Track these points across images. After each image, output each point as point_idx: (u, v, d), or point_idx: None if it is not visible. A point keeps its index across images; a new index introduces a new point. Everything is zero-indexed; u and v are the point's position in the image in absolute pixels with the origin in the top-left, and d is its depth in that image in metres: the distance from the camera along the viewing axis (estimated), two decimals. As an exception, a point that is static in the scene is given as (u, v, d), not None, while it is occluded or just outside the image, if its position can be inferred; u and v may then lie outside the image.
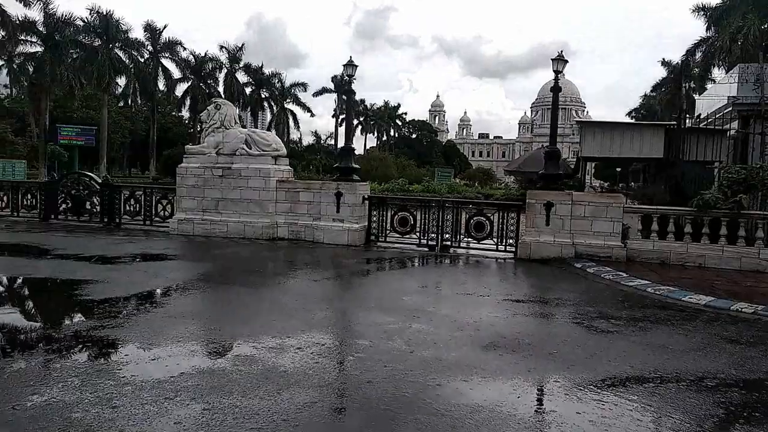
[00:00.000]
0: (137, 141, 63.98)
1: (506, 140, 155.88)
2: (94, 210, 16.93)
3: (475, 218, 13.53)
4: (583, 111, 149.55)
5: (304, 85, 65.37)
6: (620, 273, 10.58)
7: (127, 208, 16.65)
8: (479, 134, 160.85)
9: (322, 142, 79.29)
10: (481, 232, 13.46)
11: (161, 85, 54.66)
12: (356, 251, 13.29)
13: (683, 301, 8.42)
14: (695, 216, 11.87)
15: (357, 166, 14.97)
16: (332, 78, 77.35)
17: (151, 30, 51.20)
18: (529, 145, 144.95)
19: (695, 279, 10.31)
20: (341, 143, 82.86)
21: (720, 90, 15.00)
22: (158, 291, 8.06)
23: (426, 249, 13.74)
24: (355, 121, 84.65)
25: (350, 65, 14.37)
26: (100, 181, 17.47)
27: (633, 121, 19.36)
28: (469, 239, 13.61)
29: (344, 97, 77.72)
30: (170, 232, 15.12)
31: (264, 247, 13.34)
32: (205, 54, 57.16)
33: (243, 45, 59.76)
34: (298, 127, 71.64)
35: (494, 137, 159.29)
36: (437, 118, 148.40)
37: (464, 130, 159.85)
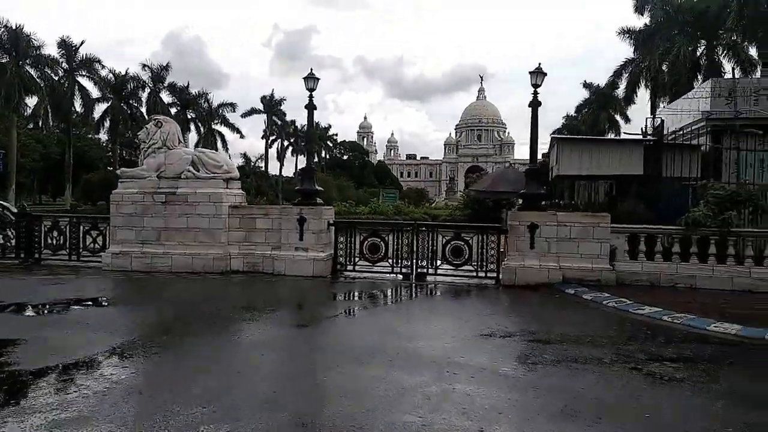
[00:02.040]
0: (50, 165, 59.11)
1: (433, 161, 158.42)
2: (8, 244, 14.57)
3: (452, 243, 12.50)
4: (505, 131, 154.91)
5: (233, 106, 62.86)
6: (623, 299, 9.82)
7: (49, 241, 14.42)
8: (407, 155, 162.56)
9: (252, 164, 76.73)
10: (459, 257, 12.45)
11: (78, 106, 50.61)
12: (323, 284, 11.92)
13: (711, 331, 7.70)
14: (683, 235, 11.40)
15: (320, 188, 13.63)
16: (261, 98, 75.43)
17: (66, 46, 47.47)
18: (454, 165, 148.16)
19: (698, 302, 9.71)
20: (272, 165, 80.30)
21: (686, 105, 15.03)
22: (89, 357, 5.95)
23: (400, 277, 12.56)
24: (286, 143, 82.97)
25: (311, 78, 13.12)
26: (15, 210, 15.12)
27: (611, 137, 19.37)
28: (447, 266, 12.55)
29: (274, 117, 76.20)
30: (103, 268, 13.12)
31: (216, 283, 11.67)
32: (126, 72, 53.81)
33: (168, 64, 56.64)
34: (227, 148, 68.74)
35: (421, 158, 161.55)
36: (365, 139, 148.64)
37: (392, 151, 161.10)
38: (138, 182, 13.41)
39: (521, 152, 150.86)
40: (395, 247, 12.78)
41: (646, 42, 36.83)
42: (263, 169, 76.20)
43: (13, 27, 41.73)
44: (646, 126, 15.33)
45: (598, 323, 8.05)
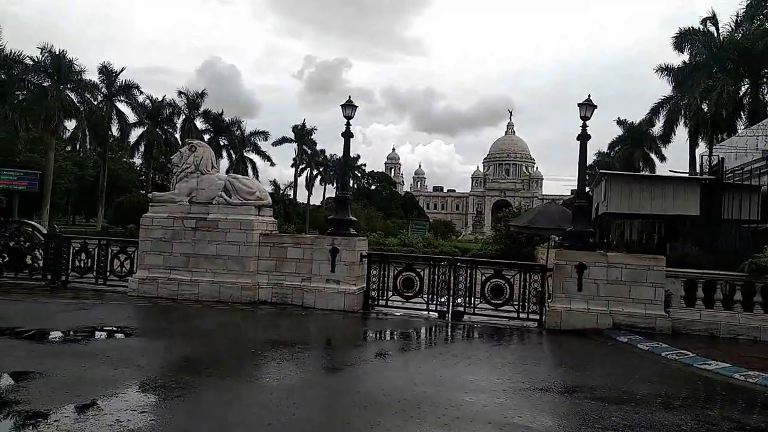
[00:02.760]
0: (84, 187, 60.25)
1: (460, 193, 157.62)
2: (36, 265, 14.33)
3: (492, 281, 11.79)
4: (533, 166, 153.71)
5: (265, 134, 63.59)
6: (684, 351, 8.96)
7: (77, 263, 14.13)
8: (434, 187, 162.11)
9: (281, 191, 77.08)
10: (499, 297, 11.71)
11: (114, 130, 51.69)
12: (354, 320, 11.29)
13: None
14: (746, 282, 10.51)
15: (354, 218, 13.12)
16: (293, 127, 76.22)
17: (107, 72, 48.72)
18: (481, 199, 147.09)
19: (764, 358, 8.80)
20: (300, 194, 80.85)
21: (742, 142, 14.23)
22: (105, 398, 5.37)
23: (435, 315, 11.87)
24: (315, 171, 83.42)
25: (349, 106, 12.74)
26: (44, 231, 14.93)
27: (664, 174, 18.71)
28: (485, 305, 11.81)
29: (304, 146, 76.81)
30: (129, 293, 12.73)
31: (244, 315, 11.13)
32: (163, 99, 54.98)
33: (203, 91, 57.79)
34: (257, 175, 69.28)
35: (448, 190, 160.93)
36: (392, 170, 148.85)
37: (418, 182, 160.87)
38: (169, 207, 13.10)
39: (549, 188, 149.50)
40: (431, 282, 12.12)
41: (686, 79, 35.93)
42: (291, 196, 76.55)
43: (57, 52, 42.91)
44: (702, 163, 14.51)
45: (663, 380, 7.22)
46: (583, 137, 11.66)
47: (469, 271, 11.97)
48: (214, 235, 12.66)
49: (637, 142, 58.56)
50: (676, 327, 10.59)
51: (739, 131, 32.98)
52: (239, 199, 12.91)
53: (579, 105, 11.61)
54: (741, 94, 32.77)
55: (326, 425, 4.95)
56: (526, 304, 11.59)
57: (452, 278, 11.97)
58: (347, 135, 12.82)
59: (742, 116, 33.13)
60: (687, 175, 14.40)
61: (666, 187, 13.61)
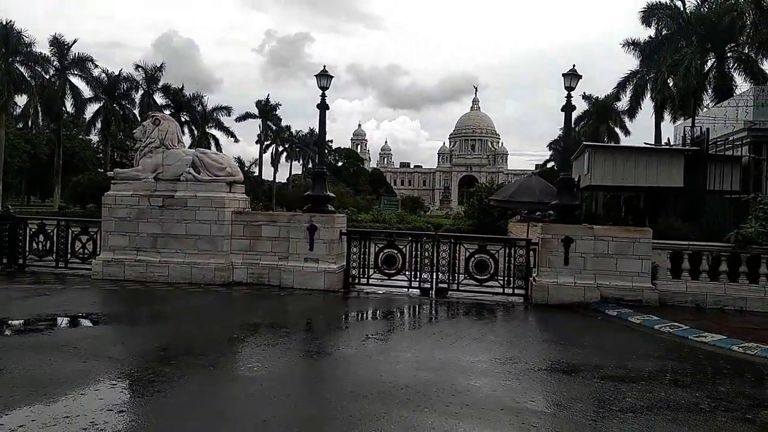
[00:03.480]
0: (38, 166, 57.62)
1: (427, 169, 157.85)
2: (-11, 249, 13.36)
3: (476, 256, 11.45)
4: (498, 142, 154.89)
5: (228, 109, 61.88)
6: (676, 324, 8.83)
7: (34, 245, 13.23)
8: (400, 163, 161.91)
9: (246, 168, 75.52)
10: (484, 272, 11.41)
11: (69, 106, 49.29)
12: (336, 300, 10.83)
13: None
14: (732, 253, 10.44)
15: (331, 194, 12.56)
16: (256, 103, 74.47)
17: (59, 44, 46.17)
18: (448, 174, 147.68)
19: (759, 328, 8.74)
20: (266, 170, 79.36)
21: (722, 113, 14.12)
22: (76, 397, 4.75)
23: (418, 293, 11.50)
24: (281, 148, 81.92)
25: (324, 76, 12.07)
26: (-3, 212, 13.91)
27: (649, 146, 18.55)
28: (470, 281, 11.50)
29: (269, 122, 75.18)
30: (93, 276, 11.97)
31: (219, 297, 10.54)
32: (120, 73, 52.61)
33: (162, 65, 55.61)
34: (221, 152, 67.67)
35: (414, 166, 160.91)
36: (359, 146, 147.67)
37: (385, 159, 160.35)
38: (133, 184, 12.28)
39: (513, 162, 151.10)
40: (413, 259, 11.73)
41: (652, 54, 36.09)
42: (257, 174, 75.07)
43: (3, 23, 40.42)
44: (684, 134, 14.40)
45: (664, 354, 7.00)
46: (568, 108, 11.32)
47: (452, 247, 11.61)
48: (183, 214, 11.94)
49: (602, 116, 59.17)
50: (663, 299, 10.48)
51: (705, 105, 33.47)
52: (209, 175, 12.19)
53: (563, 75, 11.23)
54: (707, 69, 33.12)
55: (330, 419, 4.48)
56: (512, 279, 11.33)
57: (435, 254, 11.61)
58: (323, 106, 12.18)
59: (708, 90, 33.55)
60: (671, 146, 14.28)
61: (650, 159, 13.44)
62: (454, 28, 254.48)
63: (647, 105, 40.29)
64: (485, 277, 11.41)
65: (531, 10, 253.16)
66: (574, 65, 11.15)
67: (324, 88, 12.10)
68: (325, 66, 12.16)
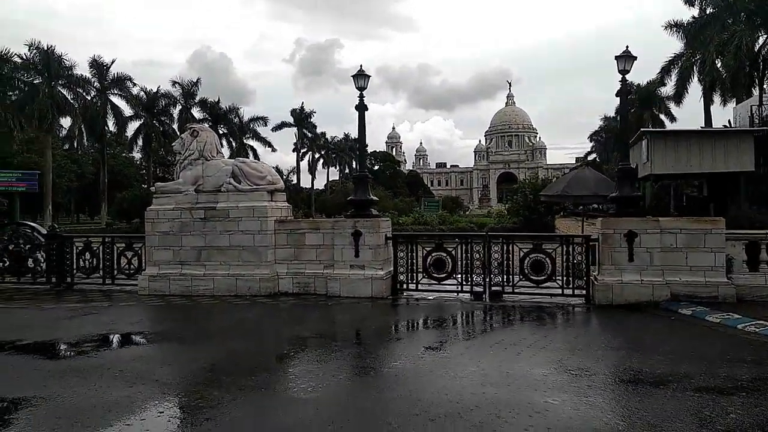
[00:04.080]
0: (85, 185, 59.34)
1: (463, 168, 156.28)
2: (39, 268, 13.45)
3: (531, 255, 10.82)
4: (535, 137, 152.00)
5: (264, 120, 62.51)
6: (762, 322, 8.01)
7: (81, 263, 13.24)
8: (436, 164, 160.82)
9: (284, 177, 76.09)
10: (540, 273, 10.76)
11: (110, 125, 50.60)
12: (384, 308, 10.36)
13: None
14: (816, 240, 9.52)
15: (375, 197, 12.12)
16: (291, 111, 75.12)
17: (98, 66, 47.46)
18: (486, 172, 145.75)
19: None
20: (303, 178, 79.92)
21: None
22: (126, 430, 4.42)
23: (471, 297, 10.94)
24: (317, 155, 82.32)
25: (361, 76, 11.66)
26: (44, 231, 14.00)
27: (711, 128, 17.57)
28: (525, 282, 10.87)
29: (304, 130, 75.53)
30: (139, 291, 11.87)
31: (265, 310, 10.22)
32: (158, 90, 53.73)
33: (198, 80, 56.63)
34: (259, 163, 68.30)
35: (451, 166, 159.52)
36: (394, 149, 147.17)
37: (421, 160, 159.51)
38: (174, 197, 12.13)
39: (553, 157, 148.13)
40: (463, 261, 11.18)
41: (697, 35, 34.45)
42: (295, 182, 75.55)
43: (45, 48, 41.66)
44: (752, 114, 13.41)
45: (759, 359, 6.24)
46: (624, 92, 10.60)
47: (504, 247, 11.01)
48: (226, 225, 11.71)
49: (645, 103, 57.06)
50: (740, 294, 9.65)
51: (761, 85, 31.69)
52: (249, 185, 11.93)
53: (616, 57, 10.50)
54: (758, 46, 31.39)
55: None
56: (571, 279, 10.65)
57: (487, 255, 11.02)
58: (361, 107, 11.76)
59: (760, 70, 31.83)
60: (738, 128, 13.27)
61: (716, 143, 12.50)
62: (482, 23, 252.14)
63: (694, 89, 38.49)
64: (542, 277, 10.76)
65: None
66: (627, 46, 10.42)
67: (362, 89, 11.68)
68: (361, 66, 11.76)
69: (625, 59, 10.40)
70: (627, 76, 10.29)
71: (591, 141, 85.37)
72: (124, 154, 66.37)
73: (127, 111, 50.72)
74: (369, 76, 11.77)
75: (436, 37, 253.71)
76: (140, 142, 54.33)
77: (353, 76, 11.74)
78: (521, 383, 5.36)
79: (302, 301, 10.80)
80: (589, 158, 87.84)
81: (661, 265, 9.92)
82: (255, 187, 11.91)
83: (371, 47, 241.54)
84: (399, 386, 5.38)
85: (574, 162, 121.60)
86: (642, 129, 12.51)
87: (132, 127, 52.71)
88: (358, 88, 11.70)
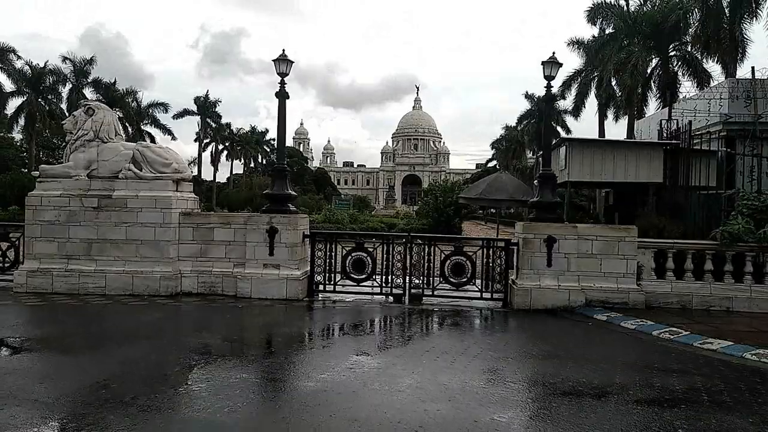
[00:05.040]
0: (-47, 166, 52.91)
1: (370, 168, 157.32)
2: None
3: (452, 258, 10.62)
4: (440, 141, 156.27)
5: (164, 106, 58.74)
6: (675, 329, 8.25)
7: (-57, 255, 11.40)
8: (344, 162, 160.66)
9: (185, 168, 72.30)
10: (460, 275, 10.59)
11: (-14, 100, 45.37)
12: (299, 311, 9.70)
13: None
14: (717, 251, 10.03)
15: (293, 192, 11.40)
16: (195, 99, 71.43)
17: (-26, 32, 42.41)
18: (392, 174, 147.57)
19: (757, 330, 8.31)
20: (205, 170, 76.44)
21: (694, 106, 13.83)
22: None
23: (390, 299, 10.56)
24: (221, 146, 79.05)
25: (283, 60, 10.90)
26: None
27: (625, 139, 18.17)
28: (445, 284, 10.64)
29: (208, 120, 72.27)
30: (15, 288, 10.36)
31: (166, 312, 9.20)
32: (45, 65, 48.88)
33: (93, 57, 52.11)
34: (157, 151, 64.28)
35: (358, 165, 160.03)
36: (301, 145, 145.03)
37: (328, 158, 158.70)
38: (63, 182, 10.73)
39: (456, 162, 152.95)
40: (384, 262, 10.77)
41: (597, 53, 36.46)
42: (196, 173, 72.03)
43: None
44: (661, 128, 14.10)
45: (685, 368, 6.28)
46: (548, 99, 10.68)
47: (426, 249, 10.71)
48: (123, 216, 10.51)
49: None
50: (648, 300, 9.97)
51: (650, 104, 34.16)
52: (152, 172, 10.80)
53: (543, 63, 10.54)
54: (650, 68, 33.79)
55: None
56: (490, 282, 10.56)
57: (408, 257, 10.67)
58: (282, 95, 10.99)
59: (652, 89, 34.28)
60: (652, 141, 13.93)
61: (629, 153, 12.99)
62: (393, 26, 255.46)
63: (590, 104, 40.75)
64: (462, 280, 10.60)
65: (470, 11, 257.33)
66: (554, 52, 10.49)
67: (283, 74, 10.93)
68: (284, 50, 10.98)
69: (552, 65, 10.44)
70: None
71: (492, 148, 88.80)
72: (1, 134, 60.02)
73: (9, 86, 45.76)
74: (292, 62, 11.03)
75: (346, 36, 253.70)
76: (22, 122, 49.15)
77: (275, 61, 10.95)
78: (462, 397, 4.97)
79: (208, 303, 9.88)
80: (490, 165, 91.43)
81: (578, 271, 10.05)
82: (159, 175, 10.80)
83: (279, 40, 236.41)
84: (330, 404, 4.80)
85: (474, 168, 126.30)
86: (562, 136, 12.77)
87: (13, 104, 47.63)
88: (279, 74, 10.93)
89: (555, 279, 10.04)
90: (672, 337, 7.93)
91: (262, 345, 7.39)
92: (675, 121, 13.73)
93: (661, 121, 14.60)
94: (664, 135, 13.93)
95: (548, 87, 10.54)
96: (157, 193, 10.61)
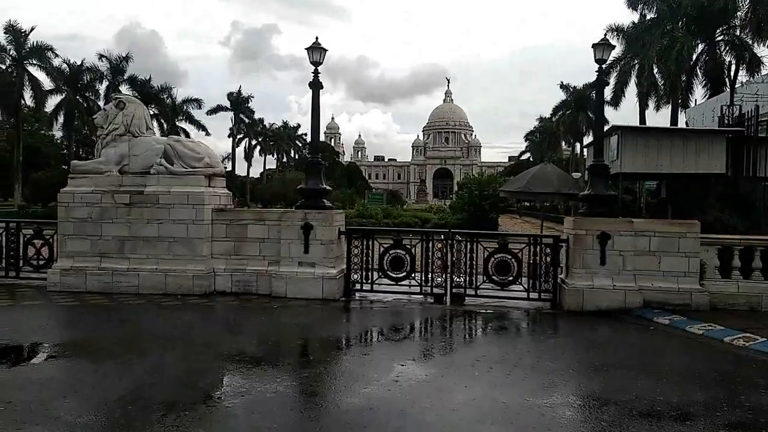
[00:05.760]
0: (-3, 163, 54.30)
1: (401, 162, 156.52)
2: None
3: (496, 256, 10.00)
4: (472, 134, 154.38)
5: (198, 102, 59.23)
6: (750, 335, 7.48)
7: (-21, 252, 11.32)
8: (374, 156, 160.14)
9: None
10: (505, 274, 9.97)
11: (28, 98, 46.24)
12: (337, 312, 9.25)
13: None
14: (790, 247, 9.17)
15: (328, 187, 10.94)
16: (228, 95, 72.00)
17: (14, 32, 43.14)
18: (422, 168, 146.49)
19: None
20: (239, 166, 77.13)
21: (752, 90, 12.88)
22: None
23: (431, 300, 10.02)
24: (254, 141, 79.49)
25: (317, 48, 10.42)
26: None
27: (684, 127, 17.37)
28: (489, 284, 10.03)
29: (241, 115, 72.69)
30: (49, 287, 10.17)
31: (199, 313, 8.84)
32: (82, 63, 49.64)
33: (128, 54, 52.76)
34: (192, 147, 64.91)
35: (389, 159, 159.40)
36: (332, 140, 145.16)
37: (359, 152, 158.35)
38: (94, 178, 10.49)
39: (487, 155, 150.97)
40: (424, 260, 10.23)
41: (637, 40, 34.98)
42: (230, 169, 72.59)
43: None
44: (722, 114, 13.16)
45: (764, 380, 5.60)
46: (600, 84, 9.92)
47: (468, 246, 10.13)
48: (155, 213, 10.21)
49: (581, 105, 58.45)
50: (713, 302, 9.18)
51: (696, 92, 32.62)
52: (184, 167, 10.47)
53: (594, 46, 9.79)
54: (695, 54, 32.20)
55: None
56: (538, 281, 9.92)
57: (450, 254, 10.10)
58: (316, 85, 10.53)
59: (698, 76, 32.74)
60: (713, 128, 13.00)
61: (687, 142, 12.11)
62: (422, 20, 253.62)
63: (630, 93, 39.23)
64: (507, 279, 9.98)
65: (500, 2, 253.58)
66: (605, 34, 9.76)
67: (317, 64, 10.45)
68: (317, 38, 10.51)
69: (603, 47, 9.71)
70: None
71: (526, 140, 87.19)
72: (43, 131, 61.40)
73: (48, 84, 46.59)
74: (325, 50, 10.54)
75: (376, 30, 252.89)
76: (61, 119, 50.05)
77: (308, 49, 10.48)
78: (526, 419, 4.41)
79: (242, 303, 9.51)
80: (523, 157, 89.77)
81: (634, 270, 9.33)
82: (190, 170, 10.46)
83: (310, 36, 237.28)
84: (377, 425, 4.29)
85: (507, 161, 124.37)
86: (613, 125, 12.02)
87: (52, 102, 48.51)
88: (312, 63, 10.46)
89: (609, 278, 9.34)
90: (747, 344, 7.18)
91: (299, 351, 6.92)
92: (737, 107, 12.75)
93: (721, 107, 13.62)
94: (726, 122, 12.98)
95: (600, 71, 9.79)
96: (189, 189, 10.28)
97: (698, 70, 32.24)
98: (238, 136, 74.82)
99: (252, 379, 5.39)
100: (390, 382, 5.29)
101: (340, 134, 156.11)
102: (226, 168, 62.43)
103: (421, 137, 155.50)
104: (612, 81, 40.51)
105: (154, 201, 10.23)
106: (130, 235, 10.24)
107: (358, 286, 10.32)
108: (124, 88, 53.25)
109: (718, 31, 30.73)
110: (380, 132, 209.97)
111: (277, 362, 6.14)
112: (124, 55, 52.09)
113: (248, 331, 7.76)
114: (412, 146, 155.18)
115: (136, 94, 54.44)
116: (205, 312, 8.97)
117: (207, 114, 65.41)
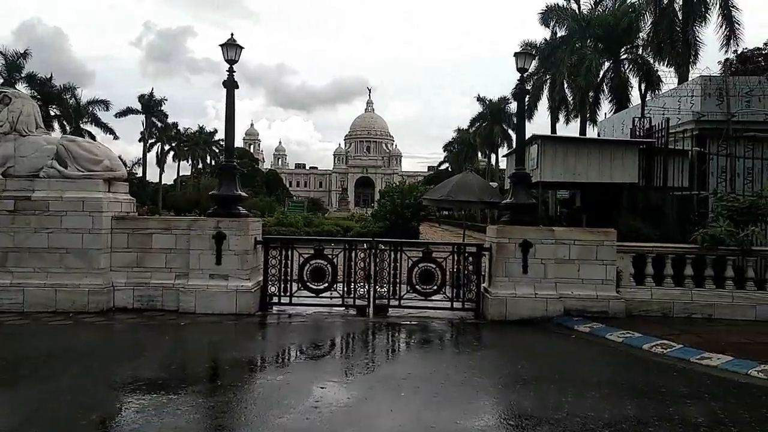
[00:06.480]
0: None
1: (323, 170, 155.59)
2: None
3: (420, 265, 9.72)
4: (392, 144, 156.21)
5: (105, 103, 55.63)
6: (667, 342, 7.59)
7: None
8: (296, 164, 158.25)
9: (128, 169, 69.02)
10: (429, 284, 9.72)
11: None
12: (252, 328, 8.63)
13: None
14: (697, 255, 9.51)
15: (244, 193, 10.25)
16: (139, 97, 68.29)
17: None
18: (344, 176, 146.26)
19: (745, 341, 7.77)
20: (151, 172, 73.40)
21: (670, 103, 13.38)
22: None
23: (353, 312, 9.58)
24: (167, 146, 76.00)
25: (232, 45, 9.76)
26: None
27: (601, 137, 17.62)
28: (412, 294, 9.73)
29: (154, 119, 69.30)
30: None
31: (94, 333, 7.94)
32: (-28, 58, 45.44)
33: (27, 51, 48.86)
34: (98, 151, 60.93)
35: (310, 167, 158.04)
36: (251, 146, 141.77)
37: (279, 160, 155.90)
38: (-29, 182, 9.24)
39: (408, 164, 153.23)
40: (345, 271, 9.77)
41: (550, 56, 36.43)
42: (141, 175, 68.86)
43: None
44: (634, 126, 13.66)
45: (694, 392, 5.56)
46: (521, 93, 9.92)
47: (392, 255, 9.78)
48: (44, 221, 9.13)
49: (496, 118, 60.50)
50: (628, 308, 9.36)
51: (602, 107, 34.38)
52: (79, 170, 9.47)
53: (515, 54, 9.81)
54: (602, 71, 33.97)
55: None
56: (461, 291, 9.74)
57: (373, 264, 9.71)
58: (230, 84, 9.84)
59: (604, 92, 34.52)
60: (626, 138, 13.45)
61: (603, 152, 12.43)
62: (343, 29, 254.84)
63: (542, 106, 40.78)
64: (431, 289, 9.72)
65: (421, 15, 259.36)
66: (527, 43, 9.73)
67: (232, 62, 9.78)
68: (232, 34, 9.85)
69: (525, 56, 9.75)
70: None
71: (445, 151, 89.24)
72: None
73: (-73, 80, 42.16)
74: (241, 48, 9.90)
75: (295, 36, 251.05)
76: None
77: (222, 46, 9.80)
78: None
79: (145, 320, 8.64)
80: (442, 167, 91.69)
81: (555, 278, 9.35)
82: (87, 173, 9.47)
83: (225, 39, 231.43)
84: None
85: (426, 170, 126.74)
86: (534, 134, 12.15)
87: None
88: (227, 61, 9.78)
89: (531, 287, 9.29)
90: (665, 351, 7.26)
91: (207, 376, 6.22)
92: (648, 119, 13.31)
93: (633, 119, 14.17)
94: (637, 134, 13.50)
95: (521, 80, 9.80)
96: (85, 195, 9.27)
97: (605, 86, 34.01)
98: (150, 141, 71.17)
99: (148, 412, 4.68)
100: (309, 409, 4.76)
101: (259, 141, 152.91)
102: (136, 174, 59.00)
103: (342, 146, 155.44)
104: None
105: (44, 208, 9.15)
106: (14, 246, 9.09)
107: (275, 300, 9.73)
108: (22, 87, 49.13)
109: (623, 49, 32.55)
110: (301, 140, 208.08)
111: (181, 390, 5.42)
112: (21, 52, 48.16)
113: (150, 353, 6.96)
114: (334, 155, 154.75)
115: (36, 93, 50.56)
116: (101, 332, 8.04)
117: (116, 116, 61.71)
